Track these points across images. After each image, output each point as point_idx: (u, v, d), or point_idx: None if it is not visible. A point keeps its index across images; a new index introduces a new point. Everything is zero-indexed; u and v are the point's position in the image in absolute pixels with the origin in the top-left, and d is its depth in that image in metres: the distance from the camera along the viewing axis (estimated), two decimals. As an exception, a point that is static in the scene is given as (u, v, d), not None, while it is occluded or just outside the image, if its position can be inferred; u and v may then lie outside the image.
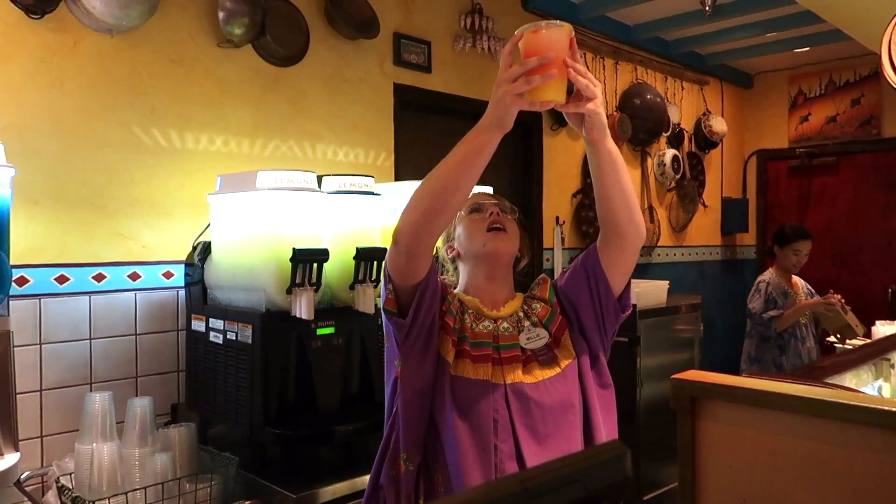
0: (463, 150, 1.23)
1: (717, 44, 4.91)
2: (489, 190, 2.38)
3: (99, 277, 2.29)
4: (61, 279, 2.21)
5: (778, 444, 0.87)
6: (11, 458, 1.68)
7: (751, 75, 5.93)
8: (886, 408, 0.82)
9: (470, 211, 1.52)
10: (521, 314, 1.48)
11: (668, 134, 4.94)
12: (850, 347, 3.00)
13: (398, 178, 3.19)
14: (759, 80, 5.95)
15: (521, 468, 1.31)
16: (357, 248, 2.05)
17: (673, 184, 5.04)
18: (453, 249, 1.55)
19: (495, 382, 1.36)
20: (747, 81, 5.93)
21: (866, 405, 0.83)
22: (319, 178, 2.14)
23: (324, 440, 1.98)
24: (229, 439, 2.15)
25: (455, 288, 1.54)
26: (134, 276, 2.37)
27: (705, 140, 5.33)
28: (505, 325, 1.45)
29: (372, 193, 2.19)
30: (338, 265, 2.09)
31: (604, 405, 1.45)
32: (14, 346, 1.77)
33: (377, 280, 2.10)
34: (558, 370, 1.41)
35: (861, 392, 1.71)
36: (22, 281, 2.12)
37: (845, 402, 0.82)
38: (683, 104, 5.18)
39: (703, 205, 5.42)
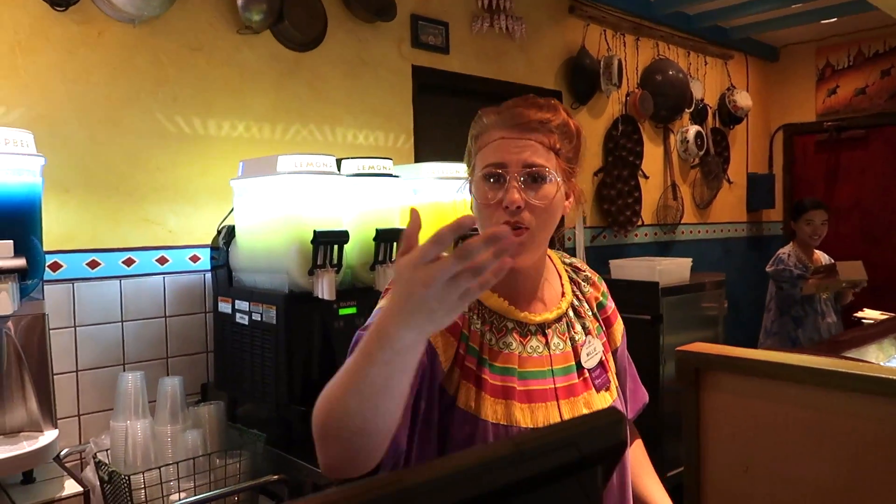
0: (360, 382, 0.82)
1: (742, 17, 4.82)
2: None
3: (128, 262, 2.36)
4: (93, 264, 2.29)
5: (779, 413, 0.89)
6: (51, 435, 1.76)
7: (776, 48, 5.82)
8: (886, 376, 0.83)
9: (485, 175, 1.07)
10: (571, 315, 1.15)
11: (691, 110, 4.88)
12: (873, 321, 2.97)
13: (417, 159, 3.21)
14: (785, 53, 5.83)
15: None
16: (377, 230, 2.09)
17: (696, 160, 4.99)
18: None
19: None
20: (773, 55, 5.82)
21: (866, 373, 0.84)
22: (339, 162, 2.18)
23: (347, 417, 2.03)
24: (257, 417, 2.22)
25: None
26: (162, 260, 2.44)
27: (730, 115, 5.26)
28: (556, 340, 1.11)
29: (391, 175, 2.23)
30: (358, 246, 2.13)
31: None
32: (50, 329, 1.84)
33: (397, 260, 2.13)
34: (616, 395, 1.15)
35: (875, 364, 1.71)
36: (55, 266, 2.20)
37: (844, 370, 0.83)
38: (707, 79, 5.11)
39: (728, 181, 5.36)
